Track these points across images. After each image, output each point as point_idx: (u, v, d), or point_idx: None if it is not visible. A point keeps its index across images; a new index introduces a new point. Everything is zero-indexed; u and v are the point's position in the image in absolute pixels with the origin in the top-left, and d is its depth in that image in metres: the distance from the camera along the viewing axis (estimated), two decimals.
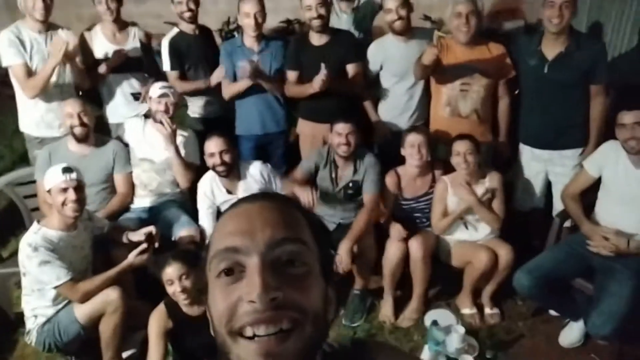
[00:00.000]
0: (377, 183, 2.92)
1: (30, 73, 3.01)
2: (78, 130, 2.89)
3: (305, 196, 2.78)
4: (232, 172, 2.88)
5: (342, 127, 2.85)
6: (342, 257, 2.68)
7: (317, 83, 2.91)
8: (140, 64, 3.36)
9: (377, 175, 2.93)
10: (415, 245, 2.77)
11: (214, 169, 2.86)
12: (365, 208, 2.90)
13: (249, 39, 3.20)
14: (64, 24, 3.22)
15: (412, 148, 2.85)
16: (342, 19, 3.50)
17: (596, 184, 2.65)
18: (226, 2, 5.29)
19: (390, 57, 3.12)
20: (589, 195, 2.70)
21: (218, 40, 4.74)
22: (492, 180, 2.84)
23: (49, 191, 2.43)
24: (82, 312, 2.43)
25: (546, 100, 2.86)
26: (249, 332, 0.60)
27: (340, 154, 2.89)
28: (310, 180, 2.98)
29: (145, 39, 3.41)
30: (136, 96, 3.35)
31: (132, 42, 3.34)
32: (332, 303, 0.69)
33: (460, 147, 2.76)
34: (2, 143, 4.81)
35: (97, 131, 3.08)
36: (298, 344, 0.61)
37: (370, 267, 2.91)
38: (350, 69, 3.14)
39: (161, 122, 2.92)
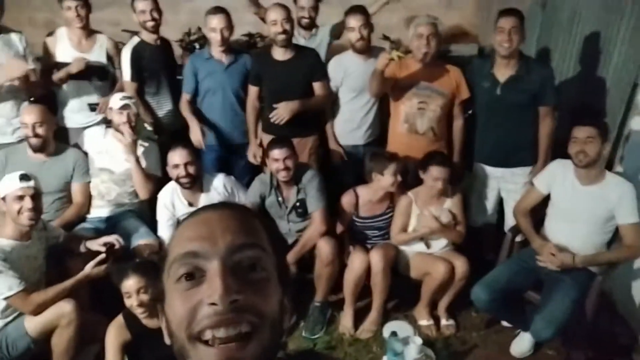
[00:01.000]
0: (319, 198, 2.93)
1: None
2: (33, 141, 2.81)
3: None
4: (196, 184, 2.86)
5: (278, 153, 2.83)
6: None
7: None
8: (104, 75, 3.28)
9: (318, 189, 2.93)
10: (376, 257, 2.83)
11: (177, 180, 2.82)
12: (311, 224, 2.93)
13: (217, 52, 3.21)
14: (16, 28, 3.13)
15: (393, 176, 2.87)
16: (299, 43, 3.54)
17: (545, 200, 2.80)
18: (187, 12, 5.27)
19: (349, 73, 3.24)
20: (539, 211, 2.84)
21: (178, 51, 4.71)
22: (455, 201, 2.95)
23: (3, 198, 2.34)
24: (33, 325, 2.34)
25: (499, 121, 3.01)
26: (208, 334, 0.60)
27: (281, 179, 2.90)
28: (260, 209, 2.99)
29: (113, 51, 3.34)
30: (93, 107, 3.27)
31: (98, 51, 3.27)
32: (288, 311, 0.70)
33: (440, 174, 2.81)
34: None
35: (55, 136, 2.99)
36: (257, 349, 0.61)
37: (332, 280, 2.94)
38: (317, 87, 3.20)
39: (122, 132, 2.87)
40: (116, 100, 2.94)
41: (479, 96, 3.07)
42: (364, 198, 3.02)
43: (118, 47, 3.39)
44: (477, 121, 3.14)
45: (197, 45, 4.47)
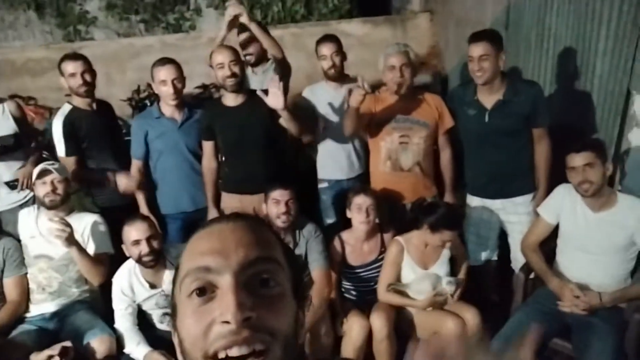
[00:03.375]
0: (324, 255, 2.61)
1: None
2: None
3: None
4: (159, 261, 2.43)
5: (280, 194, 2.54)
6: None
7: None
8: (17, 144, 2.84)
9: (323, 245, 2.63)
10: (379, 322, 2.45)
11: (139, 260, 2.39)
12: (317, 286, 2.55)
13: (169, 109, 2.85)
14: None
15: (360, 212, 2.59)
16: (252, 80, 3.25)
17: (554, 231, 2.51)
18: (134, 70, 4.99)
19: (321, 102, 3.03)
20: (547, 243, 2.55)
21: (128, 110, 4.36)
22: (454, 246, 2.63)
23: None
24: None
25: (491, 149, 2.73)
26: (221, 354, 0.59)
27: (280, 225, 2.55)
28: None
29: (17, 112, 2.89)
30: (12, 185, 2.83)
31: (3, 121, 2.82)
32: (303, 326, 0.69)
33: (451, 237, 2.52)
34: None
35: None
36: None
37: (328, 353, 2.52)
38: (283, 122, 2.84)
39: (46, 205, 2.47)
40: (35, 171, 2.53)
41: (466, 125, 2.80)
42: (349, 242, 2.71)
43: (21, 106, 2.97)
44: (466, 152, 2.86)
45: (147, 103, 4.17)
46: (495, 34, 2.66)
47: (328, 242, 2.70)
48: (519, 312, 2.46)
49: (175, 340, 0.66)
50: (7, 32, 6.16)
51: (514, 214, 2.80)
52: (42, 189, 2.49)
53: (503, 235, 2.92)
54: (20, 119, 2.89)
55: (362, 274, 2.72)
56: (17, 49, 5.70)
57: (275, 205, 2.54)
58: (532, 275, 2.61)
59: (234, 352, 0.58)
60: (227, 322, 0.58)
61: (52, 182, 2.49)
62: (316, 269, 2.57)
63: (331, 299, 2.65)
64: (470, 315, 2.49)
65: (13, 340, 2.31)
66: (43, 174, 2.49)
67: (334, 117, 3.03)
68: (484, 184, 2.82)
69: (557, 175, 2.51)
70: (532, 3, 3.38)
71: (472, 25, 3.74)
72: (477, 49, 2.56)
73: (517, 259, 2.76)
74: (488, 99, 2.68)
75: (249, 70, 3.21)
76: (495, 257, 3.00)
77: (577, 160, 2.29)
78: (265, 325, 0.60)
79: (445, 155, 2.92)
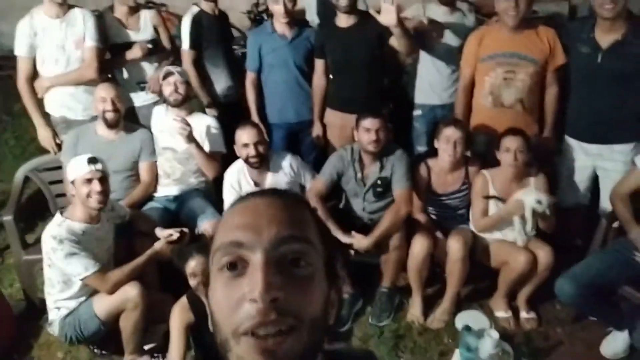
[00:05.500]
0: (407, 177, 2.77)
1: (33, 68, 2.96)
2: (110, 115, 2.82)
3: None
4: (263, 163, 2.77)
5: (370, 122, 2.69)
6: (361, 247, 2.66)
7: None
8: (154, 49, 3.21)
9: (407, 168, 2.78)
10: (455, 245, 2.62)
11: (246, 160, 2.75)
12: (396, 203, 2.76)
13: (280, 26, 3.06)
14: (83, 5, 3.13)
15: (447, 143, 2.69)
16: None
17: None
18: None
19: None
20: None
21: (247, 22, 4.62)
22: (539, 182, 2.66)
23: (72, 182, 2.37)
24: (101, 308, 2.40)
25: (598, 91, 2.63)
26: (249, 333, 0.59)
27: (370, 150, 2.73)
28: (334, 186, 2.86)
29: (155, 20, 3.25)
30: (142, 86, 3.24)
31: (144, 28, 3.19)
32: (334, 306, 0.68)
33: (512, 144, 2.57)
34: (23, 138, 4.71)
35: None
36: (295, 346, 0.60)
37: (399, 265, 2.77)
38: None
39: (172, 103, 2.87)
40: (159, 73, 2.91)
41: (576, 64, 2.70)
42: (436, 170, 2.82)
43: (162, 17, 3.34)
44: (572, 91, 2.77)
45: (265, 17, 4.37)
46: None
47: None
48: (593, 255, 2.50)
49: (208, 309, 0.67)
50: None
51: (610, 161, 2.73)
52: (167, 89, 2.88)
53: (595, 181, 2.87)
54: (157, 26, 3.26)
55: (444, 201, 2.87)
56: None
57: (366, 133, 2.70)
58: (616, 224, 2.60)
59: (261, 332, 0.59)
60: (255, 300, 0.58)
61: (175, 83, 2.86)
62: (398, 188, 2.76)
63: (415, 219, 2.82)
64: (544, 253, 2.58)
65: (144, 214, 2.82)
66: (168, 75, 2.87)
67: (437, 42, 3.02)
68: (586, 127, 2.75)
69: None
70: None
71: None
72: None
73: (605, 206, 2.73)
74: (605, 38, 2.54)
75: None
76: (586, 202, 2.96)
77: None
78: (292, 307, 0.60)
79: (552, 93, 2.84)
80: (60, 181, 2.93)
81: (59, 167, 2.94)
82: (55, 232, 2.34)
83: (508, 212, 2.63)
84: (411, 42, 2.83)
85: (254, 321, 0.58)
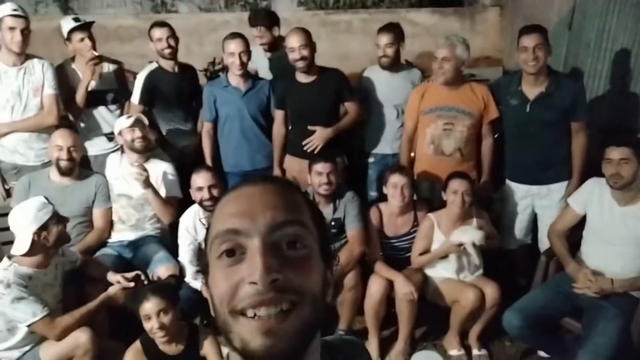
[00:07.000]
0: (359, 217, 2.89)
1: None
2: (64, 164, 2.82)
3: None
4: None
5: (322, 167, 2.83)
6: None
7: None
8: (116, 98, 3.30)
9: (359, 209, 2.91)
10: (402, 285, 2.70)
11: (200, 203, 2.79)
12: (349, 243, 2.86)
13: (235, 79, 3.21)
14: (47, 59, 3.19)
15: (395, 189, 2.84)
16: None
17: (582, 222, 2.66)
18: (212, 43, 5.36)
19: (375, 85, 3.32)
20: (575, 234, 2.70)
21: (203, 80, 4.78)
22: (482, 221, 2.83)
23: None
24: (49, 355, 2.31)
25: (530, 138, 2.91)
26: (250, 313, 0.61)
27: (322, 193, 2.85)
28: None
29: (119, 72, 3.37)
30: (109, 137, 3.28)
31: (106, 71, 3.29)
32: (331, 285, 0.70)
33: (459, 186, 2.73)
34: None
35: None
36: (296, 323, 0.61)
37: (355, 306, 2.82)
38: (349, 106, 3.20)
39: (136, 149, 2.90)
40: (124, 121, 2.94)
41: (508, 114, 2.98)
42: (387, 214, 2.95)
43: (122, 69, 3.44)
44: (507, 139, 3.04)
45: (221, 75, 4.54)
46: (544, 29, 2.83)
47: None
48: (537, 289, 2.65)
49: (207, 296, 0.68)
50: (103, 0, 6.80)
51: (547, 199, 2.96)
52: (131, 135, 2.89)
53: (535, 221, 3.08)
54: (119, 79, 3.36)
55: (395, 244, 2.98)
56: (110, 16, 6.26)
57: (317, 176, 2.83)
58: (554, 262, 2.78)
59: (262, 312, 0.60)
60: (255, 283, 0.60)
61: (140, 130, 2.90)
62: (352, 229, 2.87)
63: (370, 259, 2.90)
64: (490, 290, 2.71)
65: (96, 260, 2.77)
66: (134, 124, 2.90)
67: (384, 100, 3.30)
68: (523, 170, 2.99)
69: (595, 170, 2.63)
70: (596, 5, 3.46)
71: (539, 23, 3.84)
72: (532, 39, 2.74)
73: (544, 242, 2.92)
74: (531, 90, 2.84)
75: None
76: (529, 242, 3.15)
77: (614, 153, 2.43)
78: (292, 285, 0.61)
79: (487, 143, 3.10)
80: (8, 228, 2.83)
81: (6, 214, 2.85)
82: (2, 276, 2.26)
83: (443, 251, 2.79)
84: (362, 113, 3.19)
85: (253, 299, 0.60)
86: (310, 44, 3.04)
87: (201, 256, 0.76)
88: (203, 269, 0.70)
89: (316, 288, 0.65)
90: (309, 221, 0.67)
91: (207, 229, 0.69)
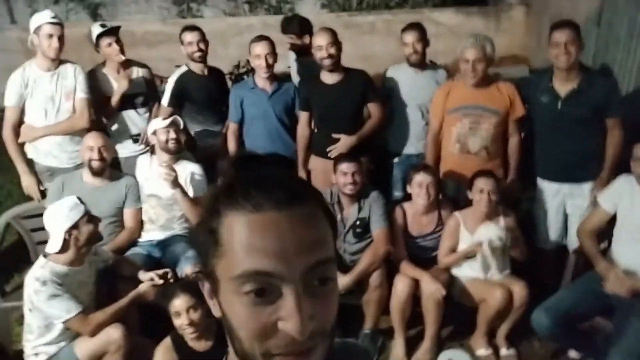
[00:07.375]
0: (384, 217, 2.89)
1: (19, 118, 3.06)
2: (96, 164, 2.89)
3: None
4: None
5: (347, 167, 2.85)
6: (341, 284, 2.66)
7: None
8: (146, 100, 3.39)
9: (384, 209, 2.91)
10: (429, 283, 2.70)
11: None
12: (374, 243, 2.86)
13: (261, 81, 3.26)
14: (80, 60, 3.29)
15: (420, 188, 2.84)
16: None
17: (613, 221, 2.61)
18: (236, 47, 5.45)
19: (401, 83, 3.31)
20: (606, 232, 2.65)
21: (228, 83, 4.85)
22: (509, 220, 2.80)
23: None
24: (83, 351, 2.37)
25: (562, 136, 2.87)
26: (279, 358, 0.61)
27: (347, 193, 2.87)
28: None
29: (148, 76, 3.45)
30: (135, 138, 3.38)
31: (135, 76, 3.38)
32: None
33: (485, 185, 2.72)
34: (10, 181, 4.75)
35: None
36: (321, 353, 0.62)
37: (381, 305, 2.83)
38: (372, 108, 3.21)
39: (168, 150, 2.97)
40: (159, 121, 3.02)
41: (538, 112, 2.95)
42: (411, 213, 2.95)
43: (152, 73, 3.52)
44: (537, 137, 3.00)
45: (245, 78, 4.60)
46: (576, 24, 2.79)
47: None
48: (566, 288, 2.62)
49: (218, 315, 0.66)
50: (131, 6, 6.97)
51: (580, 198, 2.91)
52: (165, 136, 2.94)
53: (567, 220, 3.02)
54: (149, 83, 3.45)
55: (420, 243, 2.98)
56: (137, 21, 6.41)
57: (342, 176, 2.85)
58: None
59: (291, 358, 0.60)
60: (293, 334, 0.59)
61: (175, 131, 2.96)
62: (377, 229, 2.87)
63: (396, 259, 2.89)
64: (518, 289, 2.68)
65: (127, 258, 2.84)
66: (170, 124, 2.96)
67: (408, 100, 3.29)
68: (555, 168, 2.95)
69: (622, 167, 2.60)
70: (626, 1, 3.41)
71: None
72: (564, 35, 2.71)
73: (573, 241, 2.88)
74: (563, 87, 2.80)
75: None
76: (562, 241, 3.08)
77: None
78: (322, 328, 0.61)
79: (514, 141, 3.06)
80: (43, 228, 2.93)
81: (41, 214, 2.95)
82: (39, 273, 2.34)
83: (468, 250, 2.77)
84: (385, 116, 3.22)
85: (287, 349, 0.59)
86: (337, 42, 3.08)
87: (201, 257, 0.66)
88: (211, 283, 0.65)
89: (335, 315, 0.64)
90: (331, 242, 0.65)
91: (215, 240, 0.62)
